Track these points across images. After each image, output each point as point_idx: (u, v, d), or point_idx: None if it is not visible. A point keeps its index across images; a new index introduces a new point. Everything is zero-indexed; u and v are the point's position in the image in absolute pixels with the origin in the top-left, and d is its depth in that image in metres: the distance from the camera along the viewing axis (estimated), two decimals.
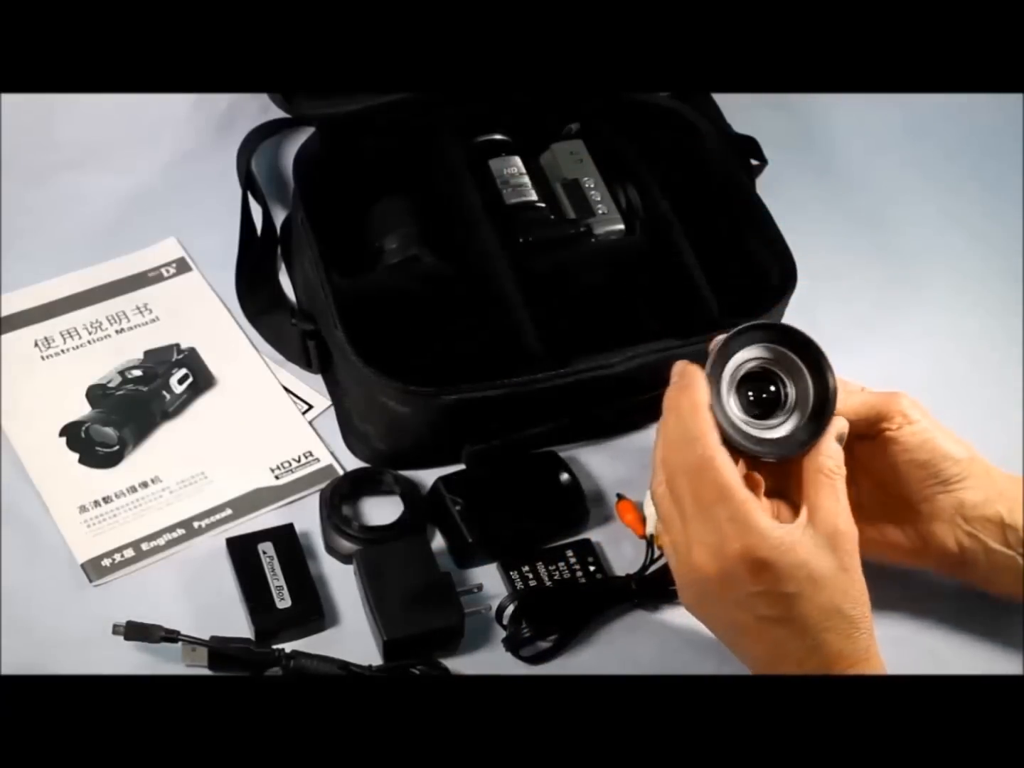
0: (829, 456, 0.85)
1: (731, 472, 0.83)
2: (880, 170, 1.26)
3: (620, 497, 1.01)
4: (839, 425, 0.86)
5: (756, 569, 0.82)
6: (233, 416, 1.05)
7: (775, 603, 0.83)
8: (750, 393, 0.87)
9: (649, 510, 0.98)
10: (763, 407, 0.87)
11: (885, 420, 0.90)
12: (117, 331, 1.09)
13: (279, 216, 1.14)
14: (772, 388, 0.87)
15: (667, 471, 0.85)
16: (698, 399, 0.84)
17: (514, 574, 0.97)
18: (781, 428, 0.87)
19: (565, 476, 1.01)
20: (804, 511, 0.84)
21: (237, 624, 0.93)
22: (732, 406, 0.86)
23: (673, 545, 0.86)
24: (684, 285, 1.07)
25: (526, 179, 1.12)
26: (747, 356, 0.87)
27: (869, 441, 0.91)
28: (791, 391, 0.87)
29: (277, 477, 1.01)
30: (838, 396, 0.86)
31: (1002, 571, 0.92)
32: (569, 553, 0.98)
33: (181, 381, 1.06)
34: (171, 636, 0.90)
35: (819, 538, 0.83)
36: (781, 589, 0.82)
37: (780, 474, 0.87)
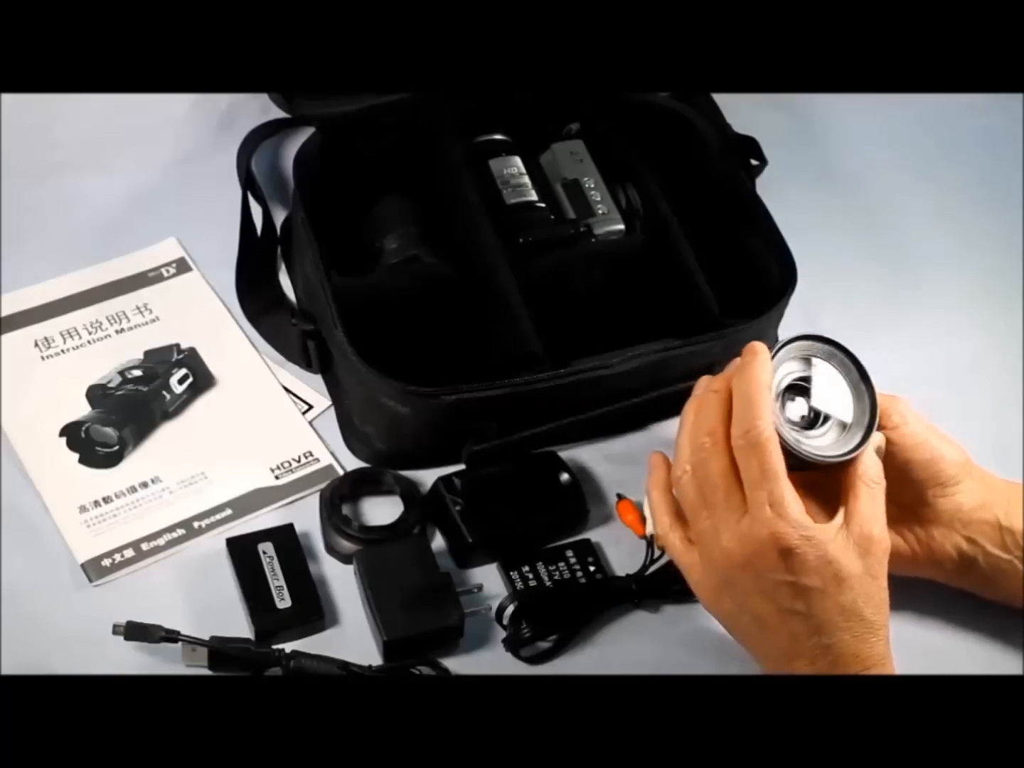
0: (870, 466, 0.86)
1: (780, 459, 0.84)
2: (880, 170, 1.26)
3: (620, 497, 1.01)
4: (877, 438, 0.88)
5: (783, 556, 0.82)
6: (233, 416, 1.05)
7: (798, 595, 0.83)
8: (791, 403, 0.88)
9: (649, 510, 0.98)
10: (807, 417, 0.88)
11: (883, 418, 0.90)
12: (117, 331, 1.09)
13: (279, 216, 1.14)
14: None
15: (699, 447, 0.85)
16: (763, 378, 0.85)
17: (514, 574, 0.97)
18: (823, 438, 0.88)
19: (565, 476, 1.01)
20: (841, 513, 0.85)
21: (237, 624, 0.93)
22: (777, 409, 0.87)
23: (698, 535, 0.86)
24: (684, 285, 1.07)
25: (526, 179, 1.12)
26: (792, 367, 0.88)
27: None
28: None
29: (277, 477, 1.01)
30: None
31: (1000, 575, 0.92)
32: (569, 553, 0.98)
33: (181, 381, 1.06)
34: (171, 636, 0.90)
35: (852, 541, 0.84)
36: (805, 582, 0.83)
37: (812, 482, 0.88)
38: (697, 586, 0.88)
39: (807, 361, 0.88)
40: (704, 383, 0.89)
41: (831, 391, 0.88)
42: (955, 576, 0.94)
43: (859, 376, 0.88)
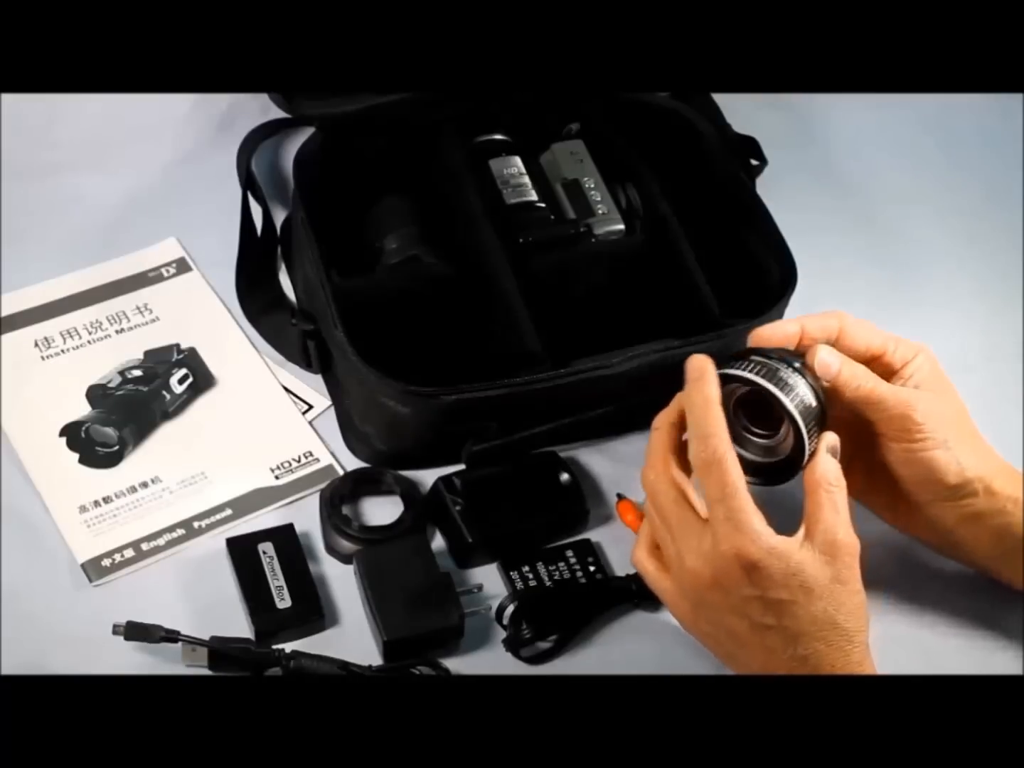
0: (827, 470, 0.85)
1: (738, 474, 0.83)
2: (880, 170, 1.26)
3: (620, 497, 1.01)
4: (829, 439, 0.86)
5: (748, 570, 0.82)
6: (233, 416, 1.05)
7: (768, 609, 0.83)
8: (744, 416, 0.88)
9: None
10: (763, 429, 0.88)
11: (883, 424, 0.88)
12: (117, 331, 1.09)
13: (279, 216, 1.14)
14: (768, 408, 0.87)
15: (647, 484, 0.86)
16: (711, 394, 0.85)
17: (514, 574, 0.97)
18: (775, 442, 0.87)
19: (565, 476, 1.01)
20: (803, 524, 0.84)
21: (237, 624, 0.93)
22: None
23: (667, 561, 0.87)
24: (684, 285, 1.07)
25: (526, 179, 1.12)
26: (738, 382, 0.87)
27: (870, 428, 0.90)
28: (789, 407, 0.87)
29: (277, 477, 1.01)
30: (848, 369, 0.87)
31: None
32: (569, 553, 0.98)
33: (181, 381, 1.06)
34: (171, 636, 0.90)
35: (816, 549, 0.83)
36: (773, 595, 0.82)
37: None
38: (674, 610, 0.88)
39: (756, 372, 0.87)
40: (656, 421, 0.88)
41: (785, 398, 0.86)
42: (945, 549, 0.95)
43: (809, 380, 0.86)
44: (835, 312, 0.90)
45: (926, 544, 0.96)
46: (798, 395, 0.85)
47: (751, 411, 0.88)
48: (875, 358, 0.90)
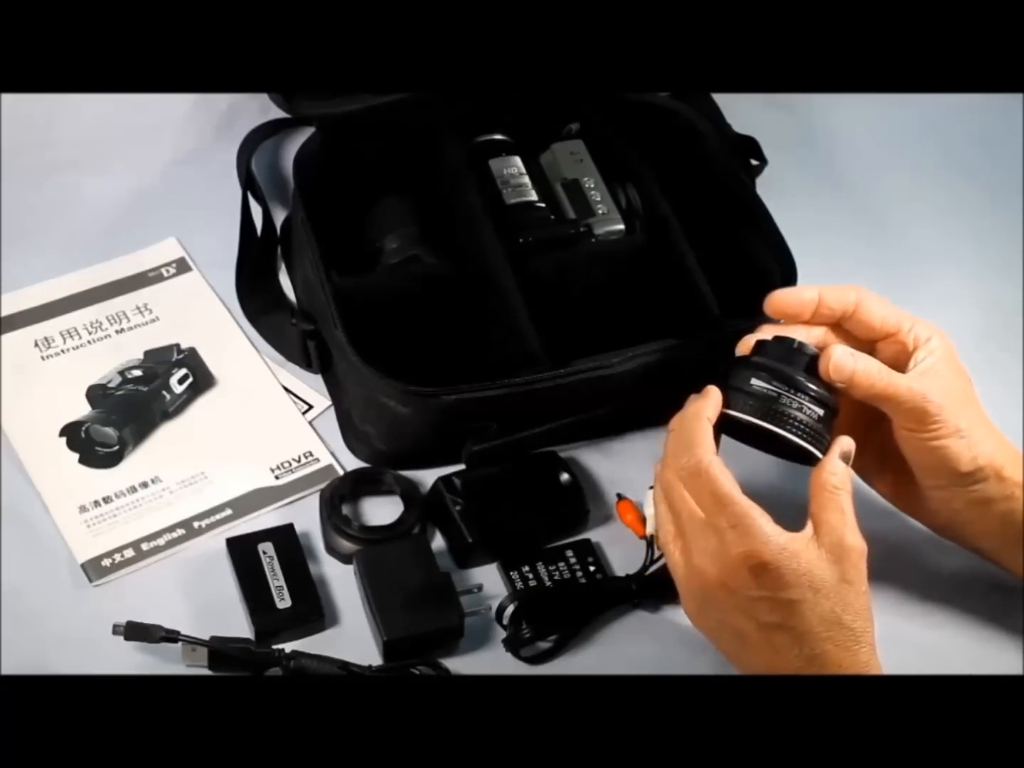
0: (833, 472, 0.86)
1: (727, 480, 0.84)
2: (880, 170, 1.26)
3: (620, 497, 1.01)
4: (844, 444, 0.87)
5: (757, 572, 0.82)
6: (233, 416, 1.05)
7: (776, 609, 0.83)
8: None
9: (649, 510, 0.98)
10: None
11: (897, 415, 0.88)
12: (117, 331, 1.09)
13: (279, 216, 1.14)
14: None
15: (663, 481, 0.86)
16: (700, 408, 0.86)
17: (514, 574, 0.97)
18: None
19: (565, 476, 1.01)
20: (809, 524, 0.85)
21: (237, 624, 0.93)
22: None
23: (680, 552, 0.86)
24: (684, 285, 1.07)
25: (526, 179, 1.12)
26: (740, 419, 0.88)
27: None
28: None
29: (277, 477, 1.01)
30: (839, 399, 0.88)
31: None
32: (569, 553, 0.98)
33: (181, 381, 1.06)
34: (171, 636, 0.90)
35: (823, 550, 0.83)
36: (782, 595, 0.82)
37: None
38: (683, 601, 0.88)
39: (753, 411, 0.87)
40: (671, 423, 0.89)
41: (777, 433, 0.87)
42: (945, 530, 0.95)
43: (812, 391, 0.87)
44: (853, 286, 0.91)
45: (930, 527, 0.96)
46: (798, 419, 0.86)
47: None
48: (889, 335, 0.90)
